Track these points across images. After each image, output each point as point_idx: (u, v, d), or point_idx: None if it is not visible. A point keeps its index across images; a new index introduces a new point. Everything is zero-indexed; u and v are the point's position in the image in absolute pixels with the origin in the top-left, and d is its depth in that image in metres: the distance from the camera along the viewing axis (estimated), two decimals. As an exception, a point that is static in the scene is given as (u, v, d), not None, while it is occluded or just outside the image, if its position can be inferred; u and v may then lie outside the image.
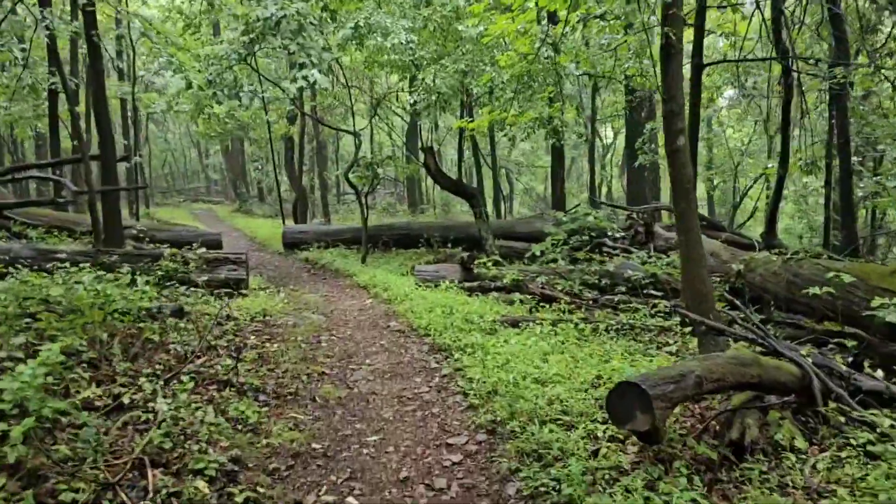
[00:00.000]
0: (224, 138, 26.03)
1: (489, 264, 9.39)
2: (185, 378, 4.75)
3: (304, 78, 10.20)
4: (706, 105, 19.78)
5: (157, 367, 4.97)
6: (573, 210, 10.73)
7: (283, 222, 18.19)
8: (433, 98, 11.07)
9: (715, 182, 27.23)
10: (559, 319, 7.00)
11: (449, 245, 14.06)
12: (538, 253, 9.85)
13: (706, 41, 13.06)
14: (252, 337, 6.75)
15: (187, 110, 12.09)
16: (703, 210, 23.18)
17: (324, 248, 14.55)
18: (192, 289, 8.11)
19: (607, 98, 23.22)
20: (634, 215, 13.42)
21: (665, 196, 22.46)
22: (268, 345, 6.51)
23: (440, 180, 11.72)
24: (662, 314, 8.02)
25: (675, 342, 6.54)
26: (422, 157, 11.96)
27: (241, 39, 11.57)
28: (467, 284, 8.91)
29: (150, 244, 13.20)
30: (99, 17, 12.48)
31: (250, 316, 7.57)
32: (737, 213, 26.35)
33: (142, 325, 5.79)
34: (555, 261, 11.01)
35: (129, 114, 21.57)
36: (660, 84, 5.41)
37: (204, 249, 9.00)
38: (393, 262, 12.93)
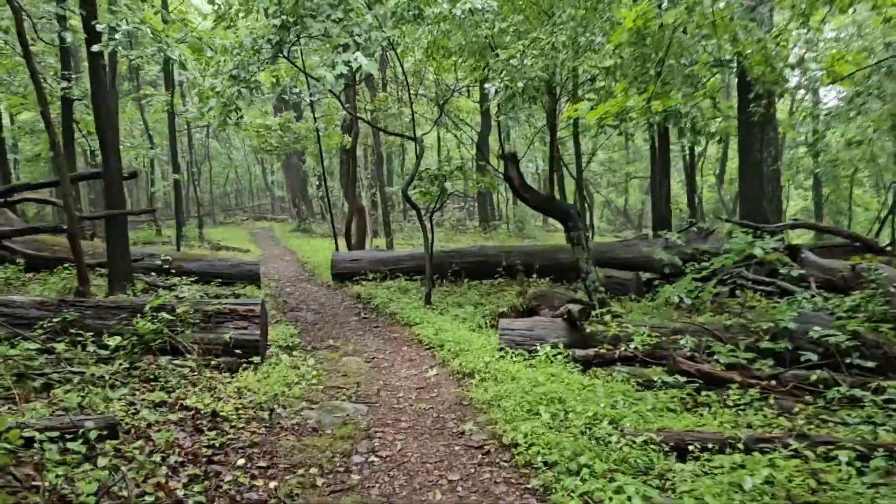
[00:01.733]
0: (280, 152, 23.96)
1: (607, 317, 6.47)
2: None
3: (346, 63, 7.61)
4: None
5: None
6: (734, 235, 7.57)
7: (336, 247, 15.71)
8: (519, 86, 8.24)
9: (825, 193, 23.34)
10: (759, 440, 4.02)
11: (533, 276, 11.23)
12: (675, 299, 6.85)
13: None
14: (238, 462, 4.09)
15: (213, 115, 9.72)
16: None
17: (380, 279, 11.96)
18: (175, 362, 5.55)
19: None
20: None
21: (791, 212, 18.85)
22: (258, 484, 3.83)
23: (527, 196, 8.87)
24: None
25: None
26: (498, 165, 9.22)
27: (271, 24, 9.14)
28: (579, 352, 6.00)
29: (173, 277, 10.96)
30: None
31: (251, 411, 4.94)
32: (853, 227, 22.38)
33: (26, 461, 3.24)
34: (680, 302, 7.94)
35: (185, 127, 19.80)
36: None
37: (192, 293, 6.43)
38: (464, 300, 10.14)
